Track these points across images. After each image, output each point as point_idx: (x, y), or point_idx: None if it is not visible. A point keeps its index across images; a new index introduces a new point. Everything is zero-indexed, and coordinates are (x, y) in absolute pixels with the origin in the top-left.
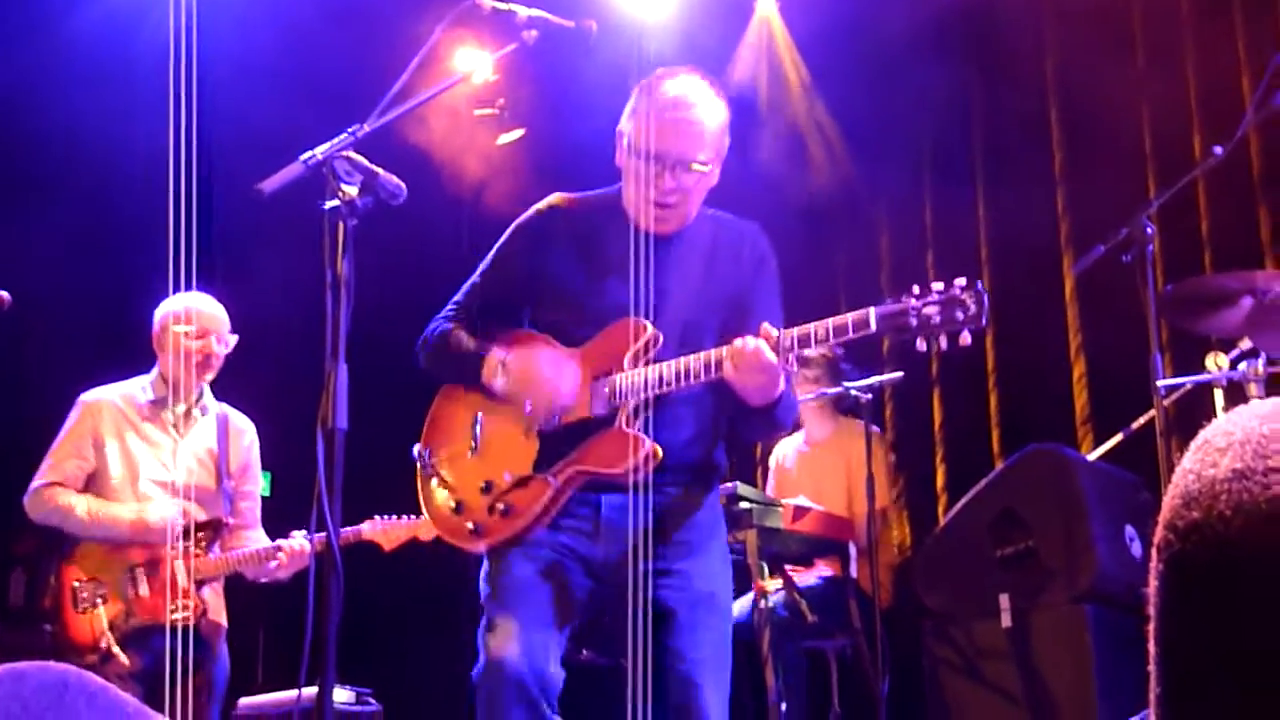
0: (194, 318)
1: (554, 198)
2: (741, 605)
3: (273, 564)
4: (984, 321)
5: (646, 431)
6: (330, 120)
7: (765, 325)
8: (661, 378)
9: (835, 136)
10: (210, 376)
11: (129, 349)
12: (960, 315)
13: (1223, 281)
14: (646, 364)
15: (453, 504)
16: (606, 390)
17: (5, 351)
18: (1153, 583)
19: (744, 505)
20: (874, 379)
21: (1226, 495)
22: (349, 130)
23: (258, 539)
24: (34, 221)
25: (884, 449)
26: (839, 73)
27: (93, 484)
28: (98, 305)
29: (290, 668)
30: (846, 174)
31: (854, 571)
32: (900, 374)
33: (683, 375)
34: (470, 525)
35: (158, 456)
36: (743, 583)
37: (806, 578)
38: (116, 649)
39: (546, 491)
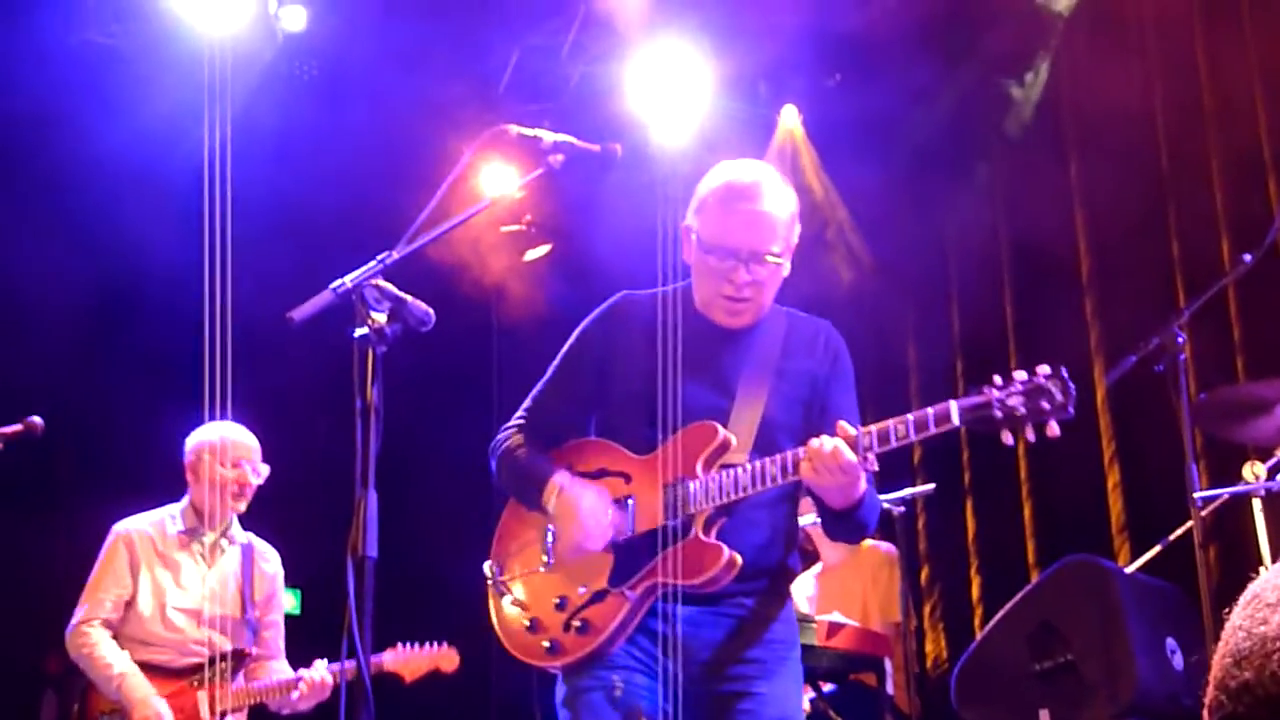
0: (229, 448)
1: (620, 297)
2: None
3: (294, 695)
4: (1071, 411)
5: (721, 537)
6: (360, 243)
7: (842, 424)
8: (737, 482)
9: (860, 244)
10: (243, 506)
11: (155, 477)
12: (1046, 405)
13: (1257, 389)
14: (720, 469)
15: (526, 622)
16: (680, 498)
17: (38, 471)
18: None
19: None
20: (906, 491)
21: (1279, 654)
22: (378, 258)
23: (281, 669)
24: (62, 347)
25: (899, 574)
26: (862, 179)
27: (131, 610)
28: (127, 431)
29: None
30: (871, 278)
31: (889, 688)
32: (932, 486)
33: (759, 479)
34: (546, 643)
35: (185, 585)
36: None
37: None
38: None
39: (624, 606)
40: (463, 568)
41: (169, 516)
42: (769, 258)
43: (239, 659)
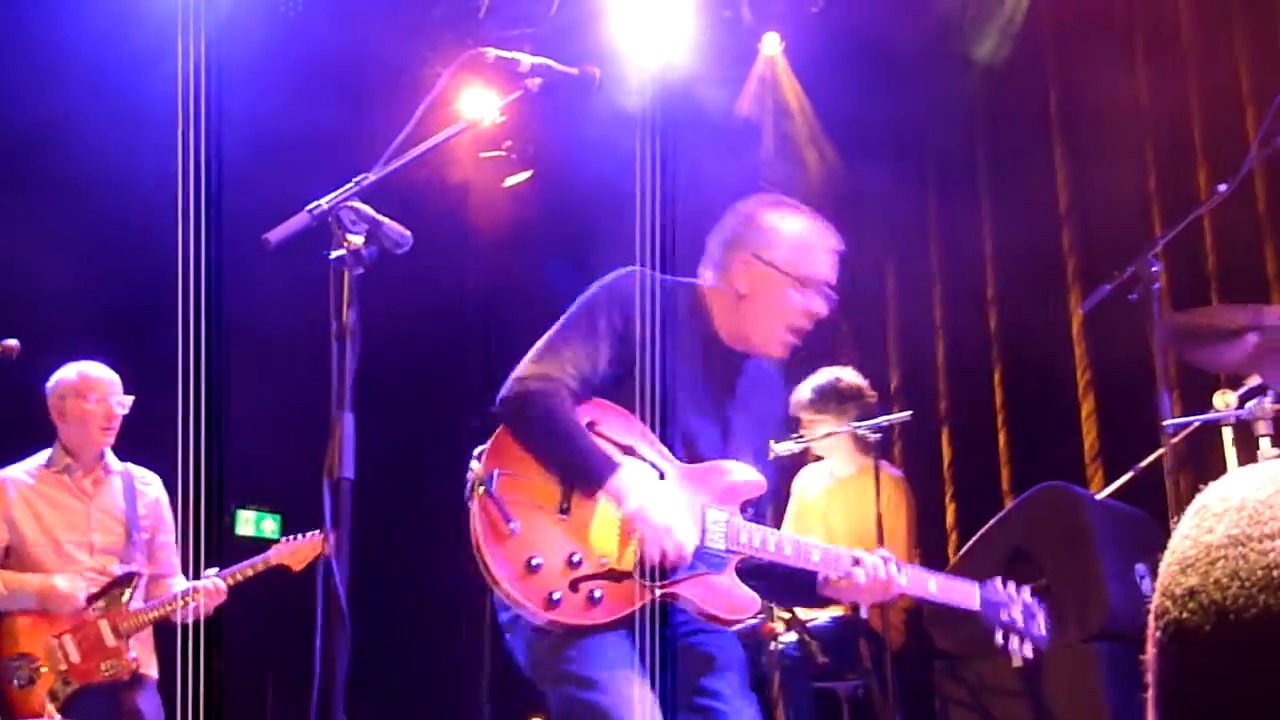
0: (91, 385)
1: (635, 272)
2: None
3: (191, 604)
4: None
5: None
6: (335, 170)
7: (893, 562)
8: (780, 549)
9: (840, 167)
10: (111, 439)
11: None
12: (1035, 631)
13: (1230, 314)
14: (753, 521)
15: (528, 557)
16: (728, 530)
17: None
18: (1150, 650)
19: None
20: (883, 419)
21: (1223, 562)
22: (354, 180)
23: (178, 585)
24: (43, 270)
25: (908, 500)
26: (845, 98)
27: (12, 557)
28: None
29: (300, 713)
30: (850, 192)
31: (864, 613)
32: (909, 413)
33: (797, 557)
34: (550, 593)
35: (71, 520)
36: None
37: (816, 618)
38: (59, 718)
39: (644, 599)
40: (439, 490)
41: (42, 462)
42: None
43: (133, 583)
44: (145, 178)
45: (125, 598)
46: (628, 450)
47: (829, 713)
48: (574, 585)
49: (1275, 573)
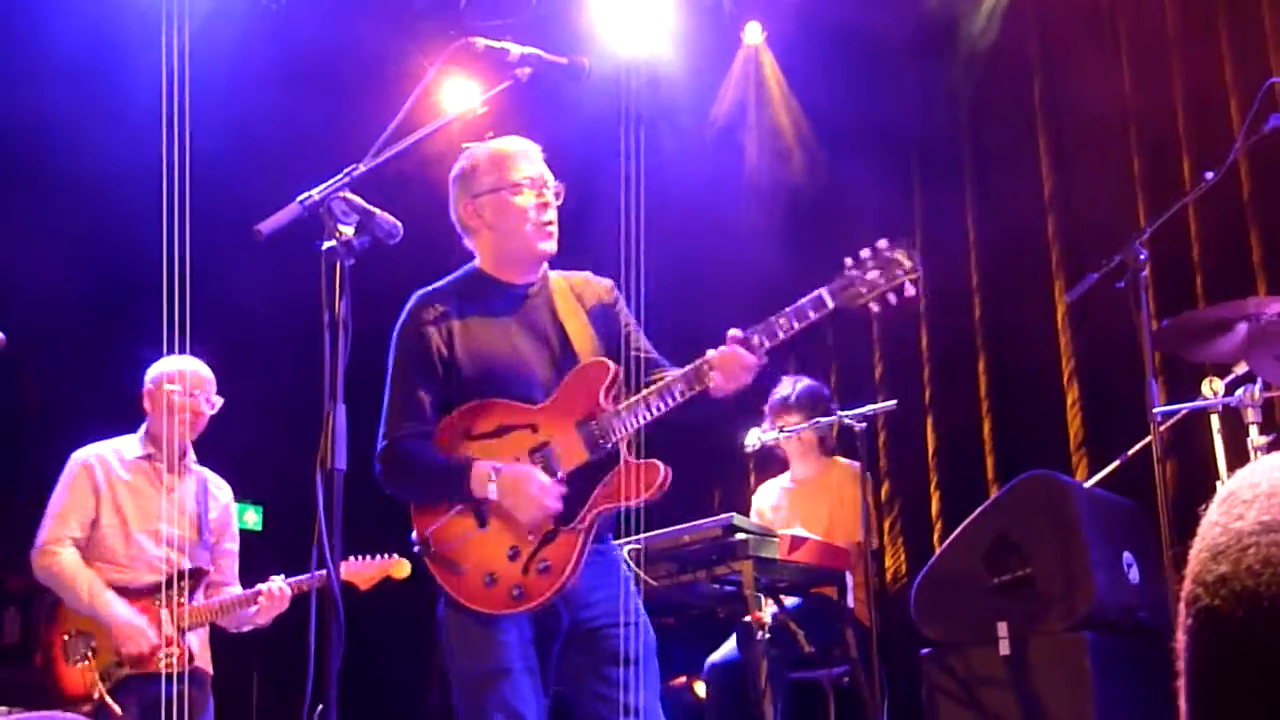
0: (185, 378)
1: (413, 298)
2: (729, 643)
3: (252, 609)
4: (919, 270)
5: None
6: (322, 162)
7: (733, 331)
8: (649, 404)
9: (821, 157)
10: (194, 435)
11: (113, 409)
12: (899, 272)
13: (1216, 313)
14: (618, 399)
15: (483, 578)
16: (596, 432)
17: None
18: (1181, 637)
19: (740, 536)
20: (868, 408)
21: (1255, 549)
22: (345, 170)
23: (236, 593)
24: (28, 263)
25: (862, 488)
26: (827, 90)
27: (96, 532)
28: (91, 357)
29: (286, 713)
30: (832, 184)
31: (850, 601)
32: (894, 402)
33: (669, 396)
34: (512, 591)
35: (146, 508)
36: (740, 612)
37: (792, 599)
38: (109, 699)
39: (578, 539)
40: None
41: (126, 444)
42: None
43: (198, 577)
44: (128, 171)
45: (189, 592)
46: (500, 431)
47: (815, 702)
48: (525, 570)
49: None
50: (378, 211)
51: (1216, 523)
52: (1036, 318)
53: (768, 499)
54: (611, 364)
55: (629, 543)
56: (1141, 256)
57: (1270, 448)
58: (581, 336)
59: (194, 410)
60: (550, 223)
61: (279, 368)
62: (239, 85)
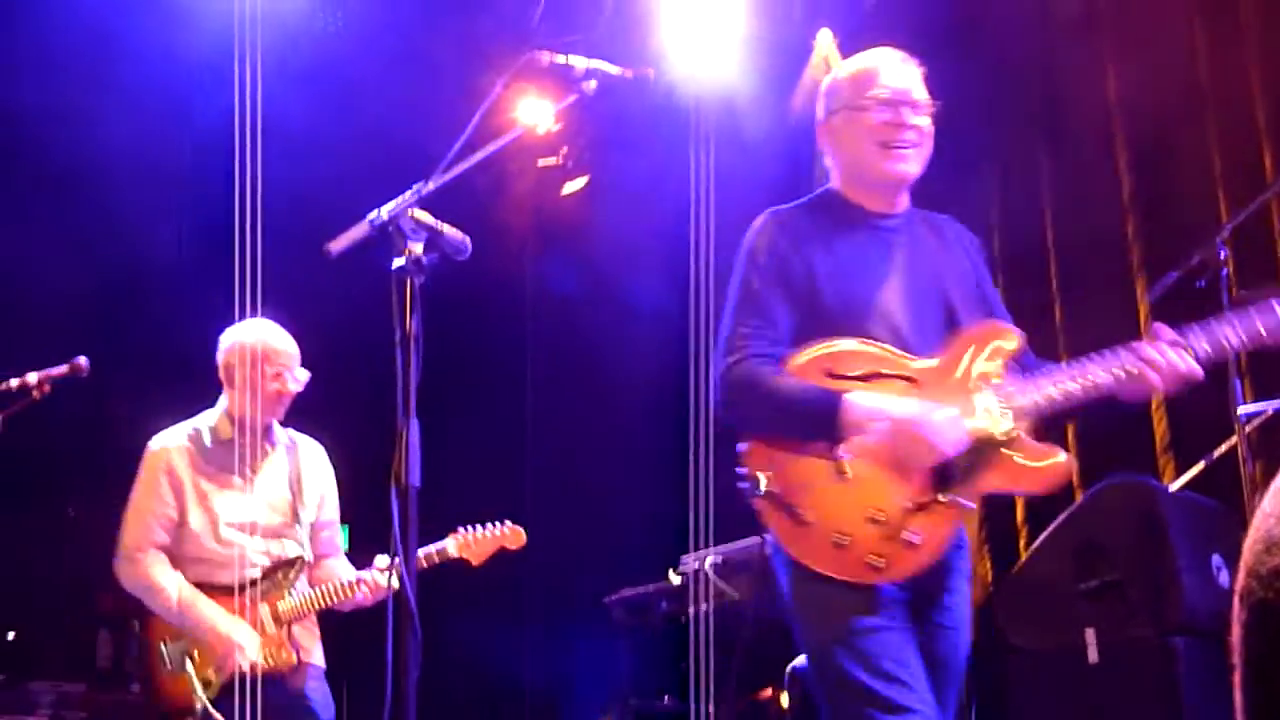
0: (270, 354)
1: (765, 215)
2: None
3: (359, 595)
4: None
5: None
6: (392, 180)
7: (1160, 327)
8: (1068, 392)
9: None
10: (281, 414)
11: (193, 382)
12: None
13: None
14: (1022, 373)
15: (834, 538)
16: (1004, 402)
17: (89, 405)
18: (1236, 630)
19: None
20: None
21: None
22: (413, 188)
23: (342, 568)
24: (89, 267)
25: None
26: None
27: (182, 529)
28: (168, 354)
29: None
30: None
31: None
32: None
33: (1090, 386)
34: (871, 561)
35: (232, 500)
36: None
37: None
38: (212, 709)
39: (955, 516)
40: (495, 498)
41: (205, 428)
42: None
43: (297, 565)
44: (199, 195)
45: (289, 581)
46: (870, 378)
47: None
48: (889, 539)
49: None
50: (446, 228)
51: (1271, 514)
52: (1117, 317)
53: None
54: (1017, 332)
55: (708, 554)
56: (1222, 254)
57: None
58: (955, 287)
59: (281, 390)
60: (904, 144)
61: (356, 382)
62: (309, 105)
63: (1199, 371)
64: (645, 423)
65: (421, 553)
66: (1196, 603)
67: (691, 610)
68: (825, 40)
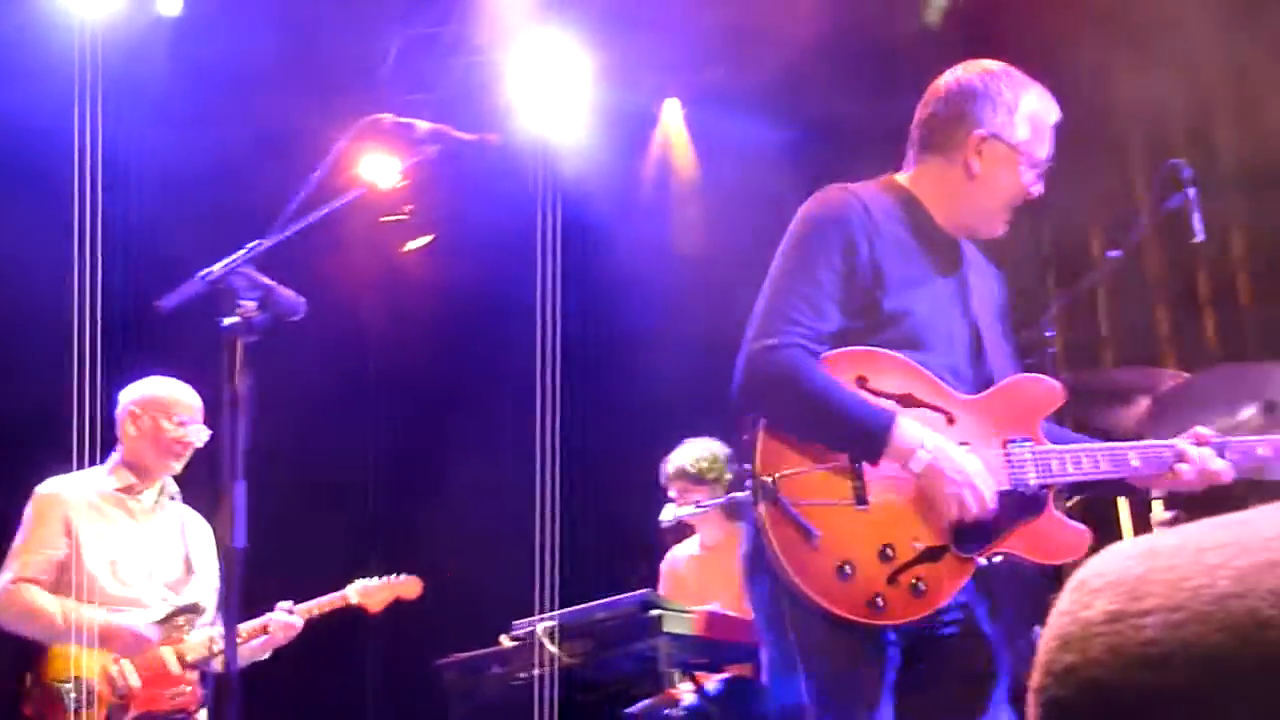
0: (175, 406)
1: (846, 191)
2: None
3: (258, 641)
4: None
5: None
6: (231, 236)
7: (1204, 430)
8: (1098, 465)
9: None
10: (179, 467)
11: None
12: None
13: (1122, 376)
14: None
15: (838, 564)
16: (1036, 460)
17: None
18: None
19: (655, 612)
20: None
21: (1101, 638)
22: (247, 246)
23: (216, 630)
24: None
25: None
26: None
27: (65, 575)
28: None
29: None
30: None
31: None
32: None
33: (1121, 466)
34: (871, 600)
35: (131, 544)
36: (655, 689)
37: (713, 682)
38: None
39: (967, 571)
40: (331, 561)
41: (100, 475)
42: None
43: (197, 611)
44: (39, 241)
45: (190, 627)
46: (905, 401)
47: None
48: (892, 580)
49: (1152, 649)
50: (279, 287)
51: (1065, 612)
52: None
53: (677, 567)
54: (1060, 389)
55: (544, 619)
56: (1048, 334)
57: (1174, 523)
58: (990, 329)
59: (183, 441)
60: (1013, 214)
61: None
62: (155, 150)
63: (1225, 478)
64: (493, 484)
65: (324, 600)
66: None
67: (526, 675)
68: (673, 110)
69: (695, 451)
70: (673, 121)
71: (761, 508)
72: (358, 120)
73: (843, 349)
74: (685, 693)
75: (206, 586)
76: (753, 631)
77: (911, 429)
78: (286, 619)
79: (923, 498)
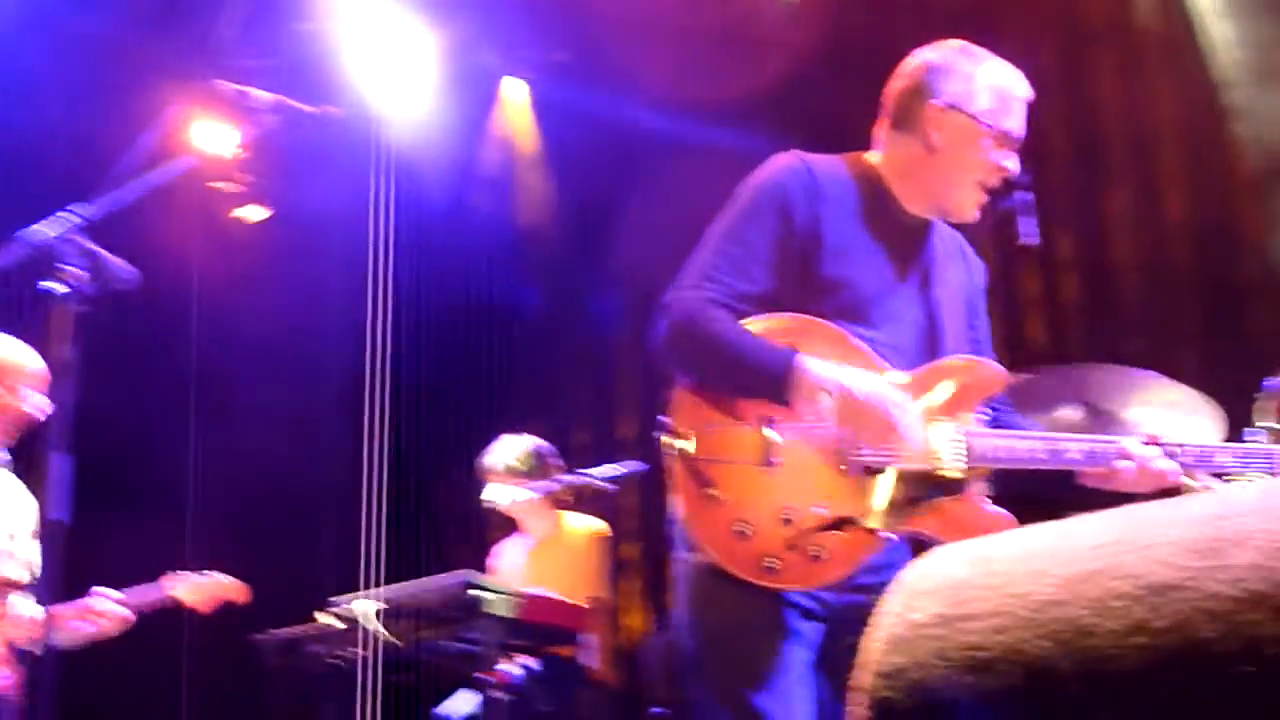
0: (7, 370)
1: (800, 159)
2: (470, 701)
3: (78, 623)
4: None
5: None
6: (67, 202)
7: (1150, 434)
8: (1034, 456)
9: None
10: (13, 439)
11: None
12: None
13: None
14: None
15: (737, 526)
16: (968, 445)
17: None
18: None
19: (477, 593)
20: (618, 469)
21: (928, 641)
22: (78, 211)
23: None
24: None
25: (600, 546)
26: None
27: None
28: None
29: None
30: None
31: (585, 659)
32: (645, 465)
33: (1056, 458)
34: (767, 563)
35: None
36: (475, 669)
37: (532, 662)
38: None
39: (875, 543)
40: (153, 544)
41: None
42: None
43: (17, 588)
44: None
45: (7, 601)
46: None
47: None
48: (791, 546)
49: (978, 653)
50: (110, 256)
51: (893, 613)
52: None
53: (509, 560)
54: (1002, 373)
55: (370, 597)
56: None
57: None
58: (952, 315)
59: (12, 405)
60: (990, 191)
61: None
62: None
63: (1173, 483)
64: (319, 458)
65: (153, 598)
66: None
67: (345, 653)
68: (514, 88)
69: (512, 448)
70: (515, 98)
71: (671, 464)
72: (191, 85)
73: (779, 314)
74: (504, 673)
75: (27, 561)
76: (576, 615)
77: (818, 366)
78: (119, 611)
79: (840, 450)
